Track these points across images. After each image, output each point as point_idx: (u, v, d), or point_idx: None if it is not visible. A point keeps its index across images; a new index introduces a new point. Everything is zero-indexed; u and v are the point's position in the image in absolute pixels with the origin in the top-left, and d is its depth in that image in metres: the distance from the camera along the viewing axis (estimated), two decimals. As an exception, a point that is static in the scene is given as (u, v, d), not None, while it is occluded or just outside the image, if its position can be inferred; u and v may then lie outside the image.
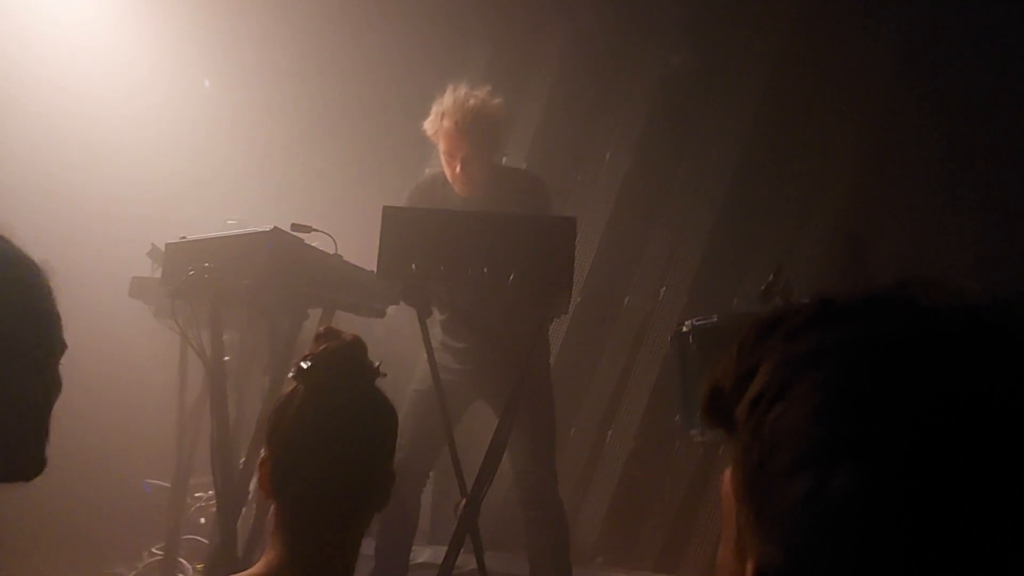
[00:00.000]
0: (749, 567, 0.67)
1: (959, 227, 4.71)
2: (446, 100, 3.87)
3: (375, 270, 3.38)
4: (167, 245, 3.62)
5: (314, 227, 3.56)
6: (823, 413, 0.63)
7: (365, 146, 5.43)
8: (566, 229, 3.38)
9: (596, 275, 5.49)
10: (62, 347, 1.43)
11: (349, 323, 4.06)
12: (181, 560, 4.23)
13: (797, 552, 0.63)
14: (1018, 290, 0.67)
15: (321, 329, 1.78)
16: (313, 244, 3.58)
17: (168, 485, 4.28)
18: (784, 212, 5.15)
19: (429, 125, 3.89)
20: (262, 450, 1.75)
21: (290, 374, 1.72)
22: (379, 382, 1.75)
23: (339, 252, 3.58)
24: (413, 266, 3.29)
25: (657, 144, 5.50)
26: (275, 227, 3.40)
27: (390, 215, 3.37)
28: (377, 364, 1.75)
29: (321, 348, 1.71)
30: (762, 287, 3.48)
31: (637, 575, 4.94)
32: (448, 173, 3.90)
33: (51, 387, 1.41)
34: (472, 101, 3.87)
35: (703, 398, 0.74)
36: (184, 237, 3.60)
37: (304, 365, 1.70)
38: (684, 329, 3.73)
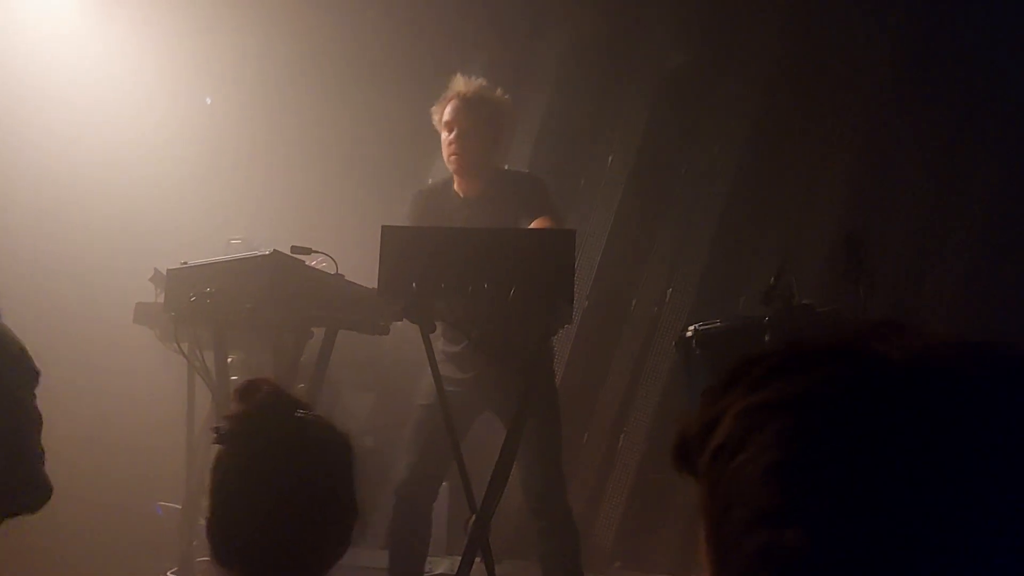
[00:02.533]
0: None
1: (958, 227, 4.70)
2: (454, 81, 3.98)
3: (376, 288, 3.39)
4: (168, 271, 3.65)
5: (314, 248, 3.57)
6: (777, 471, 0.63)
7: (364, 164, 5.44)
8: (566, 242, 3.38)
9: (603, 279, 5.49)
10: (34, 376, 1.43)
11: (353, 340, 4.08)
12: (196, 582, 4.25)
13: None
14: (984, 337, 0.67)
15: (240, 384, 1.72)
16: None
17: (179, 507, 4.30)
18: (788, 212, 5.14)
19: (436, 109, 3.97)
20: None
21: (211, 440, 1.67)
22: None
23: (340, 272, 3.59)
24: (413, 284, 3.29)
25: (659, 147, 5.49)
26: (275, 250, 3.42)
27: (389, 234, 3.38)
28: (302, 409, 1.69)
29: (239, 408, 1.67)
30: (764, 290, 3.47)
31: (655, 578, 4.95)
32: (445, 154, 3.95)
33: (31, 417, 1.42)
34: (481, 83, 3.98)
35: (672, 445, 0.74)
36: (185, 262, 3.62)
37: (223, 426, 1.66)
38: (688, 334, 3.73)
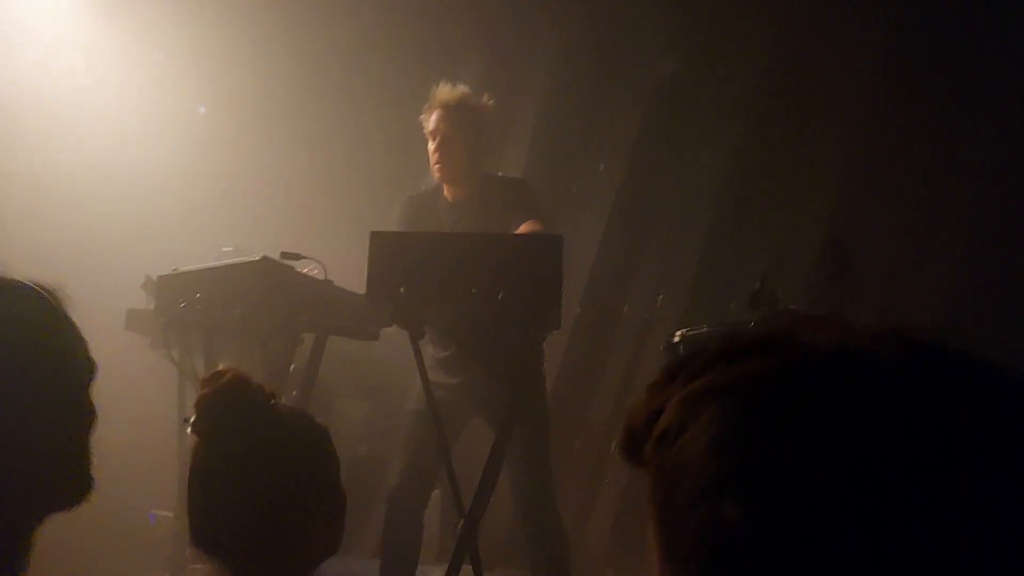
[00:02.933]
0: None
1: (943, 232, 4.73)
2: (438, 89, 4.01)
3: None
4: (159, 277, 3.66)
5: (304, 254, 3.59)
6: (714, 448, 0.67)
7: (354, 171, 5.46)
8: (554, 247, 3.39)
9: (594, 286, 5.51)
10: (91, 369, 1.43)
11: (346, 347, 4.10)
12: (188, 589, 4.25)
13: None
14: (900, 327, 0.70)
15: (205, 375, 1.71)
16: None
17: (172, 515, 4.30)
18: (777, 218, 5.17)
19: (423, 117, 4.01)
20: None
21: (187, 431, 1.66)
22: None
23: (329, 277, 3.61)
24: (402, 289, 3.31)
25: (649, 154, 5.52)
26: (265, 256, 3.43)
27: (378, 239, 3.39)
28: (268, 392, 1.67)
29: (203, 395, 1.65)
30: (749, 295, 3.50)
31: (648, 585, 4.93)
32: (431, 162, 3.97)
33: (86, 413, 1.42)
34: (464, 90, 4.01)
35: (619, 438, 0.78)
36: (176, 269, 3.63)
37: (192, 418, 1.64)
38: (676, 339, 3.76)
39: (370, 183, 5.30)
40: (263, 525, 1.59)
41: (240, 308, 3.39)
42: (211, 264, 3.64)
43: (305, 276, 3.59)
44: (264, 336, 3.70)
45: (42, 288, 1.36)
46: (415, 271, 3.33)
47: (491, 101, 4.08)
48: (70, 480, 1.38)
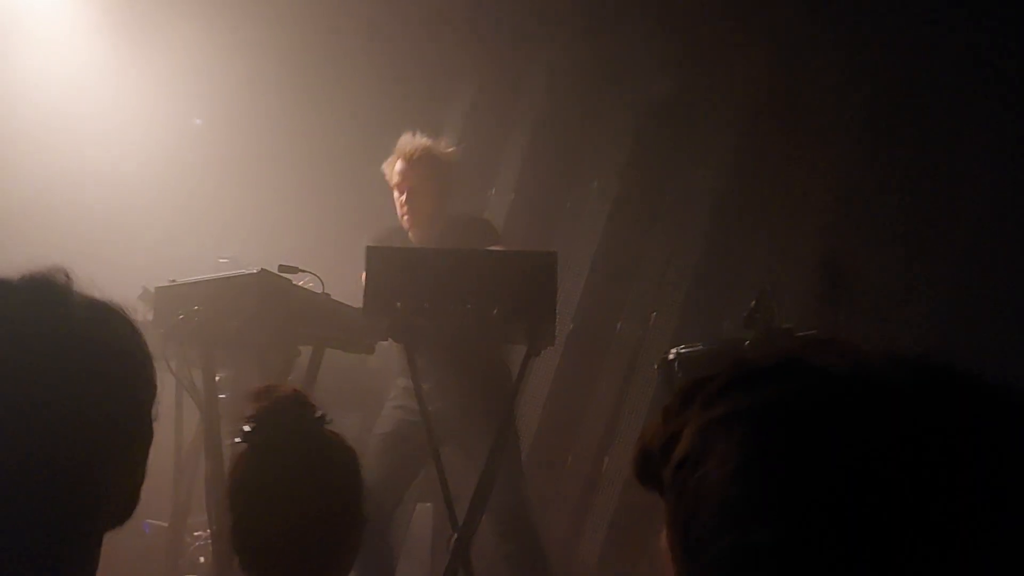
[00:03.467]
0: None
1: (938, 251, 4.76)
2: (400, 141, 4.13)
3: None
4: (156, 289, 3.67)
5: (301, 267, 3.62)
6: (739, 475, 0.68)
7: (352, 185, 5.49)
8: (547, 264, 3.43)
9: (587, 302, 5.53)
10: (153, 391, 1.45)
11: (341, 360, 4.12)
12: (181, 599, 4.26)
13: None
14: (912, 348, 0.73)
15: (259, 387, 1.76)
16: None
17: (167, 525, 4.32)
18: (769, 237, 5.19)
19: (386, 167, 4.14)
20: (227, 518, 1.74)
21: (236, 439, 1.71)
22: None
23: (327, 291, 3.64)
24: (398, 304, 3.34)
25: (643, 172, 5.55)
26: (262, 269, 3.45)
27: (374, 254, 3.43)
28: (321, 413, 1.73)
29: (260, 407, 1.70)
30: (744, 314, 3.52)
31: (637, 602, 4.95)
32: (399, 212, 4.10)
33: (148, 435, 1.44)
34: (422, 141, 4.13)
35: (633, 462, 0.80)
36: (173, 280, 3.65)
37: (247, 428, 1.68)
38: (670, 357, 3.78)
39: (368, 198, 5.32)
40: (301, 540, 1.64)
41: (238, 320, 3.42)
42: (209, 276, 3.66)
43: (302, 289, 3.62)
44: (261, 348, 3.72)
45: (125, 311, 1.38)
46: (411, 286, 3.36)
47: (451, 148, 4.25)
48: (130, 499, 1.41)
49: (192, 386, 3.66)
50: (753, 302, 3.59)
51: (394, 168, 4.10)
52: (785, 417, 0.70)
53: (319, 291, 3.63)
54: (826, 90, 5.11)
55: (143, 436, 1.38)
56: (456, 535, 3.49)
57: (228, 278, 3.54)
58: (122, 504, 1.37)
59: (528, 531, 3.96)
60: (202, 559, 4.63)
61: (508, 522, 3.91)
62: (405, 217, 4.08)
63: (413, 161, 4.08)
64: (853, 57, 5.04)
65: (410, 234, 4.13)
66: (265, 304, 3.42)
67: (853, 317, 3.54)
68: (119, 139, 5.48)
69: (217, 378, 3.84)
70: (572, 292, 5.47)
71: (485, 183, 5.57)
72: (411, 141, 4.12)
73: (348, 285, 3.71)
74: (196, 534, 4.65)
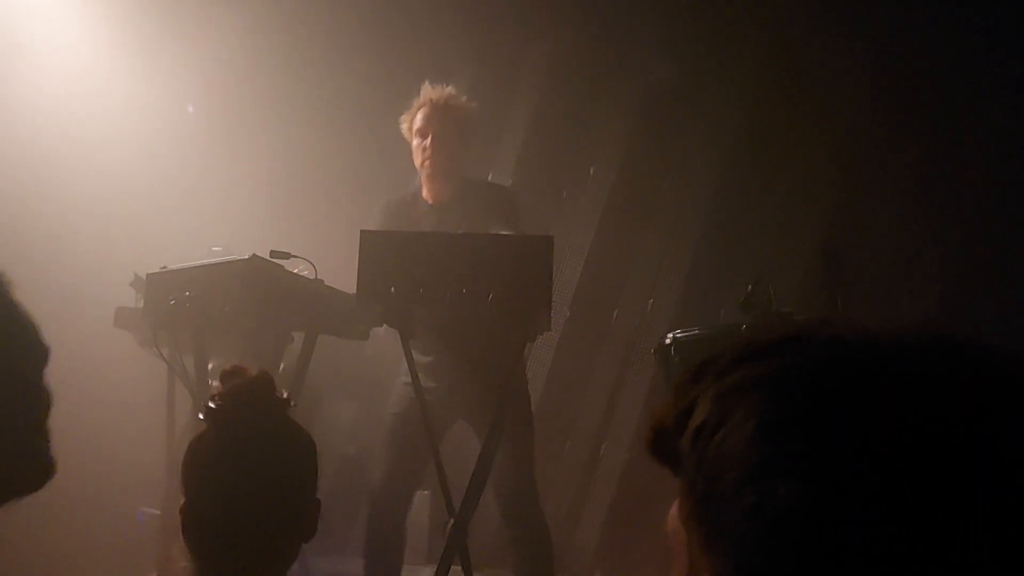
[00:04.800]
0: None
1: (935, 238, 4.75)
2: (424, 90, 4.05)
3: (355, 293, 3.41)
4: (148, 275, 3.64)
5: (293, 253, 3.59)
6: (759, 437, 0.70)
7: (344, 170, 5.46)
8: (543, 248, 3.40)
9: (585, 290, 5.51)
10: (45, 353, 1.42)
11: (335, 347, 4.09)
12: (175, 587, 4.24)
13: (748, 562, 0.69)
14: (917, 322, 0.75)
15: (227, 367, 1.77)
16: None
17: (159, 513, 4.30)
18: (768, 223, 5.18)
19: (405, 117, 4.04)
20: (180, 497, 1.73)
21: (199, 416, 1.71)
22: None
23: (319, 277, 3.60)
24: (392, 289, 3.32)
25: (641, 158, 5.53)
26: (254, 255, 3.42)
27: (368, 239, 3.40)
28: (285, 395, 1.74)
29: (226, 387, 1.71)
30: (741, 299, 3.50)
31: (636, 588, 4.95)
32: (417, 161, 4.00)
33: (42, 396, 1.40)
34: (448, 90, 4.06)
35: (647, 439, 0.81)
36: (165, 267, 3.62)
37: (210, 405, 1.69)
38: (666, 342, 3.76)
39: (361, 183, 5.30)
40: (257, 522, 1.65)
41: (230, 307, 3.39)
42: (201, 262, 3.62)
43: (295, 275, 3.59)
44: (253, 335, 3.70)
45: None
46: (405, 271, 3.34)
47: (474, 103, 4.14)
48: (29, 465, 1.38)
49: (184, 373, 3.63)
50: (750, 287, 3.57)
51: (416, 115, 4.01)
52: (801, 377, 0.71)
53: (312, 277, 3.59)
54: (827, 70, 5.09)
55: (31, 400, 1.36)
56: (452, 521, 3.47)
57: (220, 264, 3.51)
58: (23, 472, 1.35)
59: (535, 516, 3.91)
60: (196, 547, 4.61)
61: (515, 506, 3.88)
62: (426, 163, 3.98)
63: (439, 106, 4.00)
64: (851, 38, 5.02)
65: (424, 191, 4.03)
66: (257, 290, 3.39)
67: (851, 302, 3.51)
68: (110, 126, 5.45)
69: (210, 365, 3.81)
70: (569, 279, 5.46)
71: (482, 168, 5.53)
72: (437, 89, 4.06)
73: (341, 271, 3.68)
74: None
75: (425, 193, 4.04)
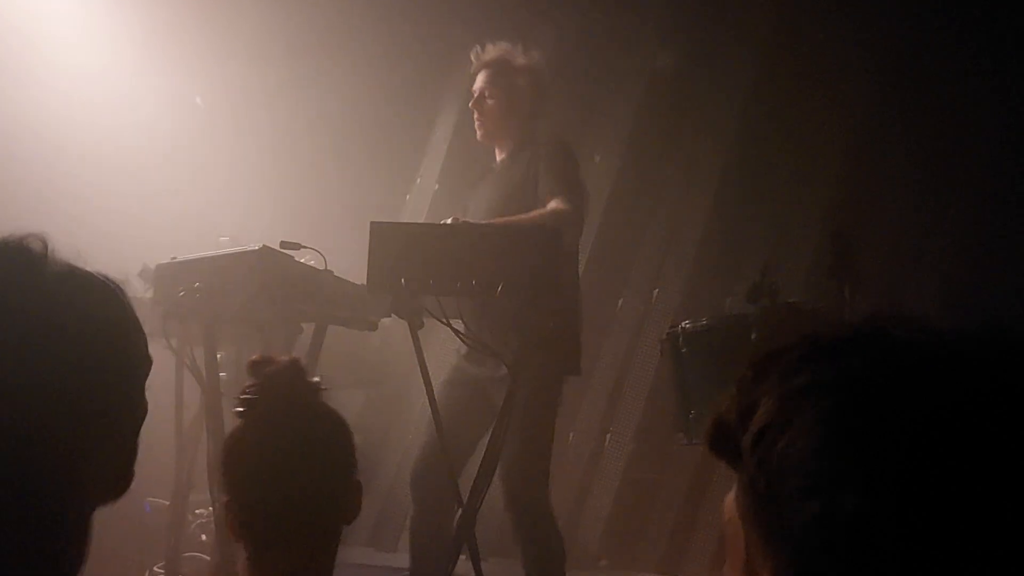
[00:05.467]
0: None
1: (943, 227, 4.75)
2: (481, 51, 4.02)
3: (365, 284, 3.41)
4: (157, 266, 3.64)
5: (303, 244, 3.59)
6: (826, 445, 0.70)
7: (354, 161, 5.46)
8: (551, 239, 3.40)
9: (589, 278, 5.50)
10: (149, 366, 1.42)
11: (344, 337, 4.10)
12: (183, 577, 4.26)
13: (806, 568, 0.70)
14: (981, 321, 0.74)
15: (255, 357, 1.76)
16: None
17: (168, 503, 4.31)
18: (774, 211, 5.18)
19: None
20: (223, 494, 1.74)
21: (235, 410, 1.71)
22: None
23: (329, 267, 3.60)
24: (402, 280, 3.31)
25: (646, 146, 5.53)
26: (264, 245, 3.42)
27: (378, 230, 3.40)
28: (316, 380, 1.75)
29: (258, 377, 1.71)
30: (749, 288, 3.51)
31: (641, 576, 4.97)
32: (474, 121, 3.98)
33: (141, 409, 1.38)
34: (500, 46, 4.00)
35: (708, 432, 0.81)
36: (174, 257, 3.62)
37: (245, 397, 1.69)
38: (674, 331, 3.77)
39: (371, 174, 5.30)
40: (302, 508, 1.67)
41: (240, 297, 3.39)
42: (211, 253, 3.62)
43: (305, 266, 3.58)
44: (263, 325, 3.70)
45: (111, 282, 1.35)
46: (415, 262, 3.33)
47: (536, 58, 4.03)
48: (120, 474, 1.38)
49: (193, 364, 3.64)
50: (758, 276, 3.57)
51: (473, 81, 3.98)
52: (870, 386, 0.71)
53: (321, 268, 3.59)
54: (834, 56, 5.08)
55: (131, 410, 1.35)
56: (460, 510, 3.47)
57: (229, 255, 3.51)
58: (112, 479, 1.34)
59: (540, 506, 3.77)
60: (204, 537, 4.63)
61: (520, 489, 3.73)
62: (476, 124, 3.96)
63: (486, 65, 3.96)
64: (858, 23, 5.01)
65: (496, 153, 4.00)
66: (267, 281, 3.39)
67: (859, 290, 3.51)
68: (118, 118, 5.45)
69: (219, 356, 3.81)
70: (574, 268, 5.45)
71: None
72: (490, 49, 3.99)
73: (351, 261, 3.68)
74: (198, 512, 4.65)
75: (496, 154, 4.04)
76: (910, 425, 0.69)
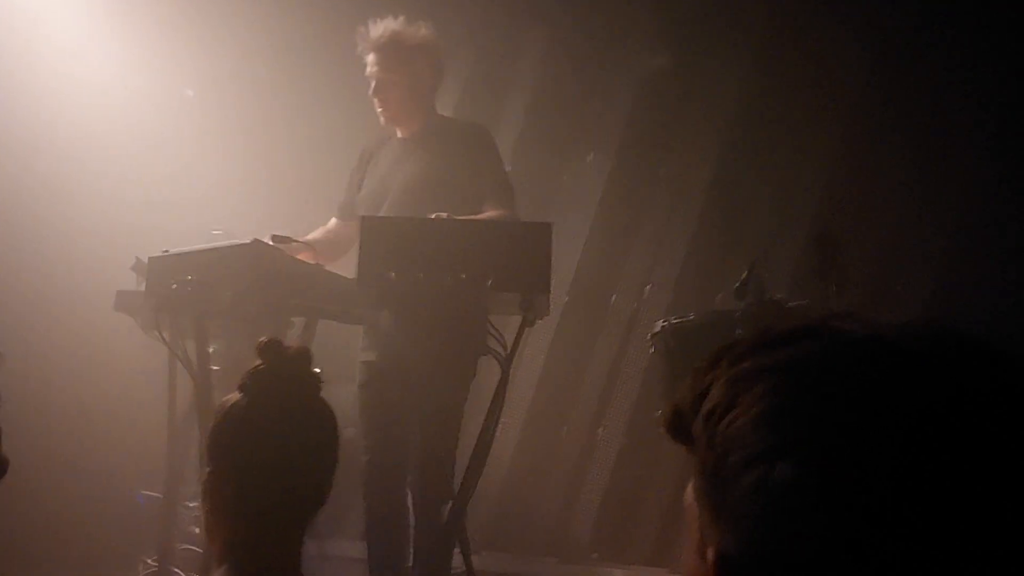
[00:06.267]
0: (710, 554, 0.77)
1: (930, 227, 4.77)
2: (370, 26, 3.94)
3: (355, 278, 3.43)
4: (150, 259, 3.66)
5: (294, 238, 3.61)
6: (764, 420, 0.74)
7: (345, 156, 5.47)
8: (542, 234, 3.43)
9: (582, 275, 5.53)
10: None
11: (335, 331, 4.12)
12: (175, 570, 4.27)
13: (748, 537, 0.74)
14: (921, 318, 0.80)
15: (264, 340, 1.79)
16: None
17: (160, 496, 4.33)
18: (765, 210, 5.20)
19: (362, 57, 3.95)
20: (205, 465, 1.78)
21: (240, 383, 1.75)
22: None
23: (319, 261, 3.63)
24: (392, 274, 3.34)
25: (638, 145, 5.55)
26: (256, 239, 3.45)
27: (369, 224, 3.43)
28: (318, 373, 1.80)
29: (266, 359, 1.75)
30: (735, 285, 3.53)
31: (632, 569, 4.98)
32: (375, 106, 3.93)
33: None
34: (389, 25, 3.90)
35: (665, 418, 0.86)
36: (167, 251, 3.64)
37: (253, 373, 1.73)
38: (663, 327, 3.80)
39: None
40: (280, 492, 1.71)
41: (231, 291, 3.41)
42: (203, 246, 3.64)
43: (296, 260, 3.61)
44: (254, 319, 3.72)
45: None
46: (405, 256, 3.36)
47: (425, 30, 3.95)
48: None
49: (185, 356, 3.66)
50: (744, 274, 3.60)
51: (366, 60, 3.90)
52: (809, 369, 0.76)
53: (312, 262, 3.62)
54: (825, 55, 5.10)
55: None
56: (451, 503, 3.50)
57: (221, 248, 3.53)
58: None
59: (444, 470, 3.65)
60: (196, 529, 4.64)
61: (422, 461, 3.71)
62: (379, 111, 3.92)
63: (379, 48, 3.87)
64: (848, 27, 5.02)
65: (398, 133, 3.99)
66: (258, 275, 3.41)
67: (846, 289, 3.54)
68: (109, 111, 5.46)
69: (210, 349, 3.83)
70: (567, 265, 5.48)
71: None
72: (378, 26, 3.89)
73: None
74: (190, 504, 4.67)
75: (399, 134, 4.02)
76: (842, 401, 0.73)
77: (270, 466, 1.71)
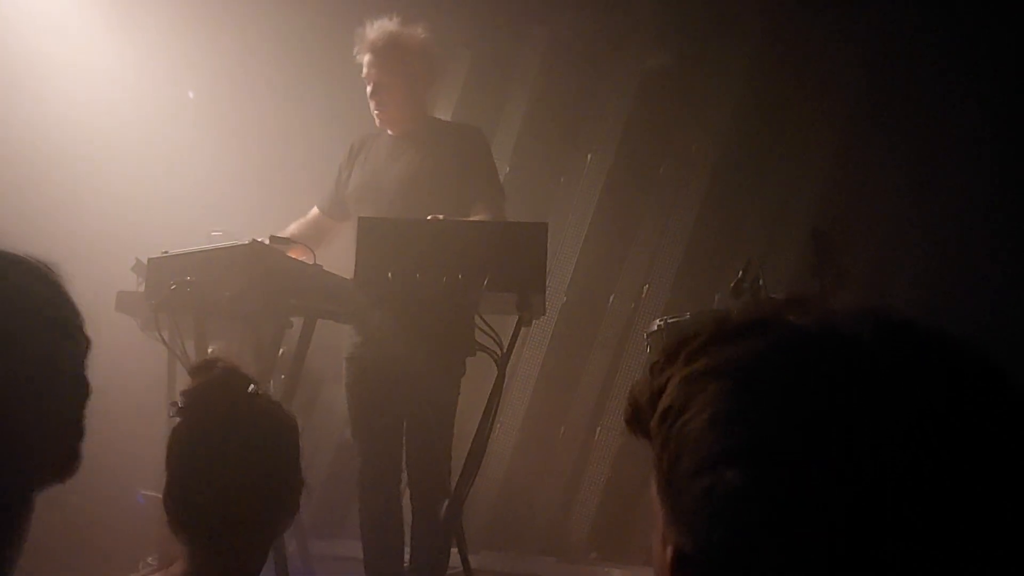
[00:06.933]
0: (668, 552, 0.79)
1: (927, 224, 4.78)
2: (366, 29, 3.94)
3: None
4: (149, 260, 3.67)
5: (292, 239, 3.62)
6: (715, 424, 0.75)
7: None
8: (538, 234, 3.44)
9: (581, 275, 5.55)
10: (88, 345, 1.43)
11: (332, 330, 4.13)
12: (175, 569, 4.28)
13: (702, 538, 0.75)
14: (873, 306, 0.79)
15: (198, 362, 1.85)
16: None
17: (159, 495, 4.33)
18: (763, 208, 5.21)
19: (358, 57, 3.95)
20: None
21: (170, 414, 1.79)
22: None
23: (318, 262, 3.64)
24: (389, 274, 3.35)
25: (637, 145, 5.56)
26: (254, 240, 3.46)
27: (366, 225, 3.44)
28: (252, 387, 1.81)
29: (195, 383, 1.79)
30: (731, 284, 3.55)
31: (630, 569, 4.99)
32: (371, 107, 3.95)
33: (82, 387, 1.41)
34: (388, 27, 3.91)
35: (625, 412, 0.87)
36: (166, 252, 3.66)
37: (179, 401, 1.78)
38: (658, 326, 3.81)
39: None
40: (231, 506, 1.73)
41: (230, 292, 3.42)
42: (202, 247, 3.65)
43: (294, 260, 3.62)
44: (253, 320, 3.73)
45: (43, 263, 1.38)
46: (403, 256, 3.37)
47: (423, 33, 3.97)
48: (63, 454, 1.40)
49: (184, 356, 3.67)
50: (740, 272, 3.62)
51: (362, 61, 3.91)
52: (757, 373, 0.76)
53: (310, 262, 3.63)
54: (823, 56, 5.11)
55: (72, 390, 1.37)
56: (447, 502, 3.51)
57: (220, 249, 3.54)
58: (57, 461, 1.37)
59: (440, 469, 3.72)
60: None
61: (418, 461, 3.77)
62: (376, 113, 3.94)
63: (376, 50, 3.88)
64: (848, 25, 5.04)
65: (389, 132, 4.02)
66: (257, 275, 3.42)
67: (843, 287, 3.55)
68: (112, 112, 5.47)
69: (210, 349, 3.85)
70: (566, 265, 5.50)
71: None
72: (375, 27, 3.90)
73: (340, 256, 3.71)
74: (190, 504, 4.67)
75: (390, 132, 4.05)
76: (791, 405, 0.73)
77: (210, 484, 1.74)
